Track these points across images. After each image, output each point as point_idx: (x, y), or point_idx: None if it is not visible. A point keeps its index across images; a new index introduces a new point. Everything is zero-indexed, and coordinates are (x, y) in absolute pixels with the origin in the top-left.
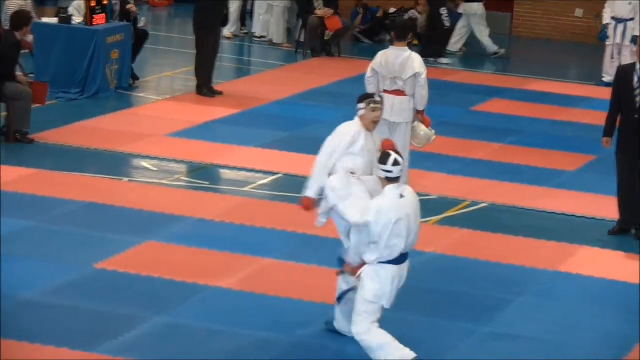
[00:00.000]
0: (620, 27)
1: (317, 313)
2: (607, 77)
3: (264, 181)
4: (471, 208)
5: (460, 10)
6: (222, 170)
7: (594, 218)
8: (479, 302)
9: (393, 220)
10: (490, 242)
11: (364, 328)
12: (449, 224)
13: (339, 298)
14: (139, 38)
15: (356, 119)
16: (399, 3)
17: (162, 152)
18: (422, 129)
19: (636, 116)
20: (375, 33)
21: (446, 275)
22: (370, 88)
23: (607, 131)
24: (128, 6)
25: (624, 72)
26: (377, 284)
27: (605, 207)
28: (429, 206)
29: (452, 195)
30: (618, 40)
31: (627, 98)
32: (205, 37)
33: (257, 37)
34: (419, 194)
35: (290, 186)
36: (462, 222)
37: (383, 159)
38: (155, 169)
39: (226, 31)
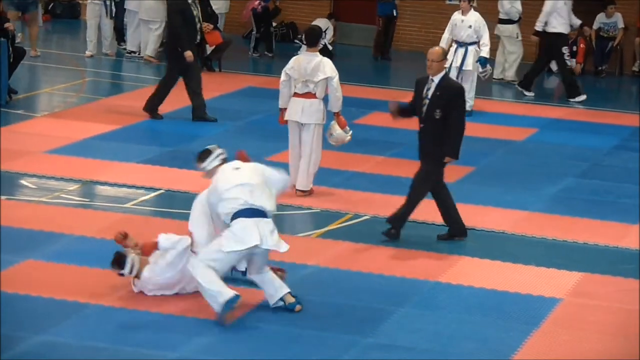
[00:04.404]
0: (461, 50)
1: (185, 328)
2: None
3: (146, 197)
4: (353, 221)
5: (495, 32)
6: (102, 187)
7: (473, 229)
8: (362, 314)
9: (233, 184)
10: (373, 254)
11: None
12: (331, 237)
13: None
14: (16, 55)
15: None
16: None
17: (41, 169)
18: (336, 129)
19: (422, 125)
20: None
21: (329, 288)
22: (283, 92)
23: (398, 106)
24: (6, 25)
25: (420, 83)
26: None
27: (483, 217)
28: (311, 220)
29: (334, 209)
30: (459, 64)
31: (418, 107)
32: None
33: (128, 53)
34: (302, 208)
35: (172, 202)
36: (345, 235)
37: (206, 154)
38: (34, 186)
39: (87, 51)
